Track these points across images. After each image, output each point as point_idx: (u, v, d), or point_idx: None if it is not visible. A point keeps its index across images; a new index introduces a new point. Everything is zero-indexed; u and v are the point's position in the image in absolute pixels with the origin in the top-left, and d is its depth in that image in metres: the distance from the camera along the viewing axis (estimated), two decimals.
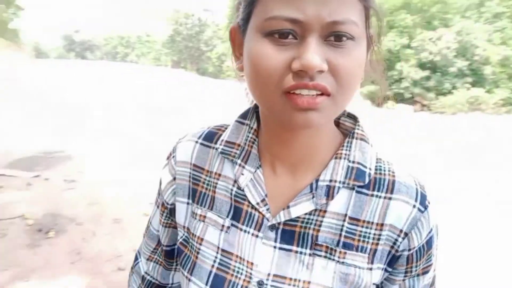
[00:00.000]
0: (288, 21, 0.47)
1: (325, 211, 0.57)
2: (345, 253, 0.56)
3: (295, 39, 0.48)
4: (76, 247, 3.34)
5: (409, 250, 0.58)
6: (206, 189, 0.64)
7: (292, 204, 0.57)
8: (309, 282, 0.56)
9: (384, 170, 0.60)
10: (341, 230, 0.57)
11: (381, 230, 0.57)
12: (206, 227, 0.62)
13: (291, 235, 0.57)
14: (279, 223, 0.58)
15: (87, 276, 2.90)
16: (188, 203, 0.65)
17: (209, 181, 0.64)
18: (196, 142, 0.66)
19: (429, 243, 0.59)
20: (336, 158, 0.59)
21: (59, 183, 4.90)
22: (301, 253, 0.57)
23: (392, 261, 0.59)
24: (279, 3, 0.47)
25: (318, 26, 0.46)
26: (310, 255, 0.57)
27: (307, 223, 0.57)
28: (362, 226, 0.57)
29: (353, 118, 0.64)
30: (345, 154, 0.58)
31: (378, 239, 0.57)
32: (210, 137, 0.66)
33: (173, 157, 0.67)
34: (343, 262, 0.56)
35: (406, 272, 0.60)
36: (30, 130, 7.77)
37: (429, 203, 0.59)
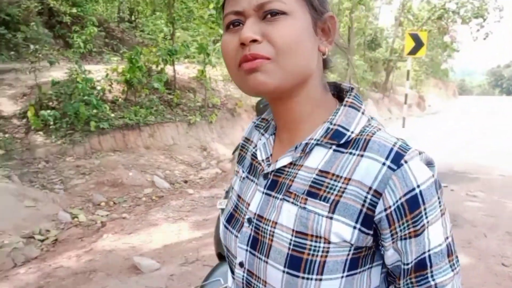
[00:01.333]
0: (233, 13, 0.61)
1: (301, 165, 0.65)
2: (306, 199, 0.62)
3: (242, 25, 0.60)
4: (468, 239, 4.08)
5: (385, 210, 0.58)
6: (245, 153, 0.81)
7: (279, 159, 0.68)
8: (276, 223, 0.64)
9: (366, 132, 0.63)
10: (311, 180, 0.63)
11: (347, 184, 0.60)
12: (236, 179, 0.80)
13: (275, 183, 0.67)
14: (270, 173, 0.68)
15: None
16: (236, 165, 0.84)
17: (247, 147, 0.81)
18: (254, 122, 0.84)
19: (411, 203, 0.57)
20: (323, 122, 0.66)
21: (462, 194, 5.74)
22: (275, 198, 0.66)
23: (369, 222, 0.59)
24: (228, 3, 0.62)
25: (251, 11, 0.59)
26: (280, 199, 0.65)
27: (287, 174, 0.66)
28: (330, 179, 0.61)
29: (350, 90, 0.71)
30: (331, 119, 0.65)
31: (343, 192, 0.60)
32: (262, 118, 0.82)
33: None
34: (304, 208, 0.61)
35: (392, 235, 0.59)
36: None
37: (406, 162, 0.58)
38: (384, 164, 0.58)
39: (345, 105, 0.67)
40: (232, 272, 0.73)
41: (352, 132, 0.64)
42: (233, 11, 0.61)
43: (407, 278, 0.60)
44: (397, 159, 0.58)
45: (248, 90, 0.62)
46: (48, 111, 6.94)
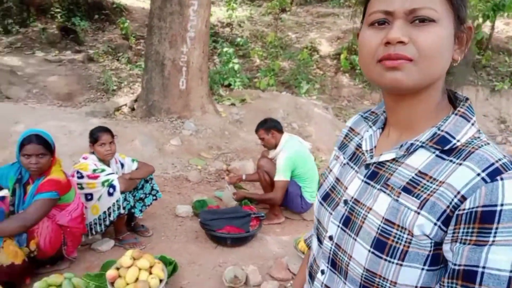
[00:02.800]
0: (382, 12, 0.64)
1: (402, 163, 0.70)
2: (400, 193, 0.67)
3: (388, 25, 0.64)
4: None
5: (459, 210, 0.60)
6: (348, 141, 0.87)
7: (384, 153, 0.73)
8: (370, 208, 0.70)
9: (472, 144, 0.64)
10: (408, 178, 0.68)
11: (439, 186, 0.63)
12: (336, 163, 0.87)
13: (375, 175, 0.73)
14: (372, 164, 0.75)
15: None
16: (335, 149, 0.92)
17: (351, 137, 0.87)
18: (361, 115, 0.89)
19: (485, 215, 0.57)
20: (432, 127, 0.69)
21: None
22: (373, 187, 0.72)
23: (448, 221, 0.61)
24: (378, 1, 0.65)
25: (402, 13, 0.62)
26: (378, 189, 0.71)
27: (387, 169, 0.72)
28: (427, 181, 0.65)
29: (464, 100, 0.71)
30: (439, 125, 0.68)
31: (434, 192, 0.63)
32: (370, 112, 0.86)
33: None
34: (397, 200, 0.67)
35: (453, 233, 0.61)
36: None
37: (502, 179, 0.58)
38: (478, 174, 0.60)
39: (456, 114, 0.69)
40: (320, 242, 0.83)
41: (458, 141, 0.66)
42: (383, 10, 0.65)
43: (453, 281, 0.60)
44: (494, 174, 0.59)
45: (384, 84, 0.66)
46: (355, 56, 7.71)
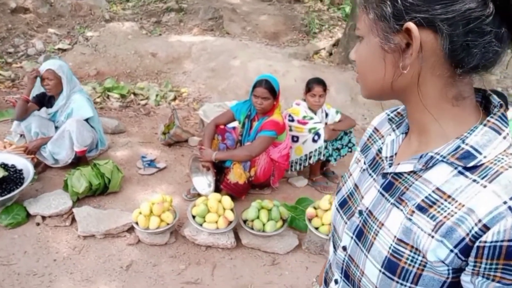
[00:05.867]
0: None
1: (420, 176, 0.63)
2: (413, 211, 0.61)
3: None
4: None
5: (480, 242, 0.53)
6: (371, 144, 0.81)
7: (402, 163, 0.67)
8: (382, 224, 0.65)
9: (502, 162, 0.56)
10: (424, 195, 0.61)
11: (459, 209, 0.56)
12: (356, 167, 0.81)
13: (390, 186, 0.67)
14: (389, 174, 0.69)
15: None
16: (357, 151, 0.86)
17: (375, 138, 0.81)
18: (387, 114, 0.80)
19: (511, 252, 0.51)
20: (456, 138, 0.61)
21: None
22: (387, 200, 0.67)
23: (467, 251, 0.55)
24: None
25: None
26: (391, 204, 0.65)
27: (403, 180, 0.66)
28: (445, 200, 0.58)
29: (498, 106, 0.62)
30: (464, 136, 0.60)
31: (452, 216, 0.57)
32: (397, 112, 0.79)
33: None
34: (410, 219, 0.61)
35: (475, 266, 0.55)
36: None
37: None
38: (505, 203, 0.52)
39: (485, 125, 0.59)
40: (335, 249, 0.78)
41: (484, 157, 0.57)
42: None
43: None
44: None
45: None
46: None
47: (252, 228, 2.37)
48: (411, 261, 0.60)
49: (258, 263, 2.37)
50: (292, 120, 2.88)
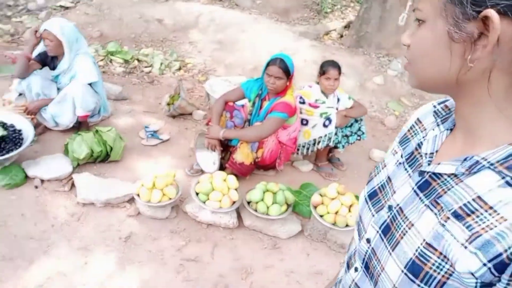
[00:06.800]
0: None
1: (461, 181, 0.58)
2: (448, 218, 0.57)
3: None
4: None
5: None
6: (412, 136, 0.75)
7: (443, 163, 0.61)
8: (412, 225, 0.61)
9: None
10: (463, 202, 0.56)
11: (500, 223, 0.51)
12: (392, 159, 0.76)
13: (427, 186, 0.63)
14: (426, 172, 0.63)
15: None
16: (395, 141, 0.80)
17: (416, 130, 0.75)
18: (434, 106, 0.74)
19: None
20: (510, 144, 0.54)
21: None
22: (421, 200, 0.62)
23: (502, 267, 0.51)
24: None
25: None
26: (425, 205, 0.61)
27: (442, 183, 0.60)
28: (485, 211, 0.53)
29: None
30: None
31: (491, 229, 0.52)
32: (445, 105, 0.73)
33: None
34: (443, 225, 0.57)
35: (508, 284, 0.51)
36: None
37: None
38: None
39: None
40: (359, 239, 0.75)
41: None
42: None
43: None
44: None
45: None
46: None
47: (255, 210, 2.34)
48: (437, 267, 0.56)
49: (259, 245, 2.34)
50: (303, 103, 2.79)
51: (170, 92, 3.61)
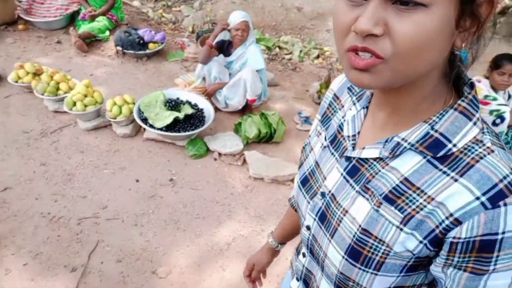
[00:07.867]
0: None
1: (387, 164, 0.59)
2: (380, 203, 0.58)
3: (366, 1, 0.47)
4: None
5: (454, 238, 0.52)
6: (332, 114, 0.74)
7: (367, 147, 0.61)
8: (346, 211, 0.62)
9: (473, 153, 0.53)
10: (391, 185, 0.58)
11: (428, 203, 0.54)
12: (317, 141, 0.75)
13: (356, 171, 0.63)
14: (353, 158, 0.63)
15: None
16: (317, 118, 0.79)
17: (335, 108, 0.74)
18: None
19: (484, 245, 0.50)
20: (424, 122, 0.56)
21: None
22: (352, 187, 0.63)
23: (437, 242, 0.55)
24: None
25: None
26: (356, 191, 0.62)
27: (369, 167, 0.61)
28: (413, 192, 0.56)
29: (469, 87, 0.56)
30: (433, 121, 0.55)
31: (421, 209, 0.55)
32: None
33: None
34: (377, 210, 0.58)
35: (447, 259, 0.55)
36: None
37: (505, 204, 0.49)
38: (478, 198, 0.50)
39: (455, 109, 0.55)
40: (301, 225, 0.75)
41: (454, 146, 0.54)
42: None
43: None
44: (495, 198, 0.49)
45: (349, 80, 0.53)
46: None
47: None
48: (375, 249, 0.59)
49: None
50: None
51: (314, 80, 3.78)
